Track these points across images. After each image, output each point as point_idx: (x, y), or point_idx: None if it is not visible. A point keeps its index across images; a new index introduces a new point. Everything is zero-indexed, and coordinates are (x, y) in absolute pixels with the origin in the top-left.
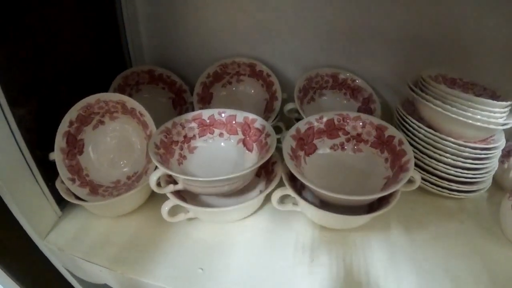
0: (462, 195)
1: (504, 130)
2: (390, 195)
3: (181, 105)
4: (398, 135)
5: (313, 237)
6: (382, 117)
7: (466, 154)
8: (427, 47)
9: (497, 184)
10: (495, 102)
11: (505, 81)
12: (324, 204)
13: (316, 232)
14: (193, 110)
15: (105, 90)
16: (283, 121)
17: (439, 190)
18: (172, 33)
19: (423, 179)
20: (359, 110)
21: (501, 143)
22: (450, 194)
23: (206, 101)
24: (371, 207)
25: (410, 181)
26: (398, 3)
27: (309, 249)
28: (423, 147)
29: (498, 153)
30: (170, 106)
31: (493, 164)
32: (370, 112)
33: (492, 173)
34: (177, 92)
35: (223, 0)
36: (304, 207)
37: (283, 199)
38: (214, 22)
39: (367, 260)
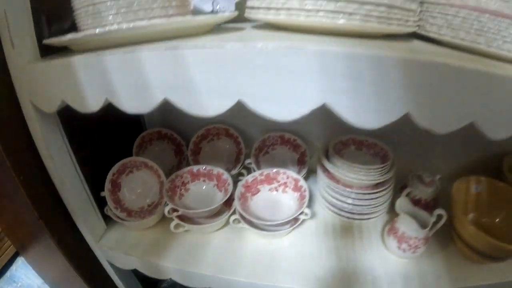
0: (357, 221)
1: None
2: (296, 221)
3: (180, 155)
4: (305, 185)
5: (254, 242)
6: (312, 166)
7: (354, 196)
8: None
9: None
10: (367, 166)
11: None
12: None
13: (256, 240)
14: (188, 160)
15: (130, 144)
16: (245, 169)
17: (341, 218)
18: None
19: (331, 210)
20: (297, 160)
21: (384, 188)
22: (349, 219)
23: (196, 153)
24: None
25: (306, 214)
26: None
27: (250, 248)
28: (328, 190)
29: (382, 193)
30: (172, 155)
31: (379, 201)
32: (304, 162)
33: (382, 206)
34: (178, 145)
35: None
36: (247, 226)
37: (239, 221)
38: None
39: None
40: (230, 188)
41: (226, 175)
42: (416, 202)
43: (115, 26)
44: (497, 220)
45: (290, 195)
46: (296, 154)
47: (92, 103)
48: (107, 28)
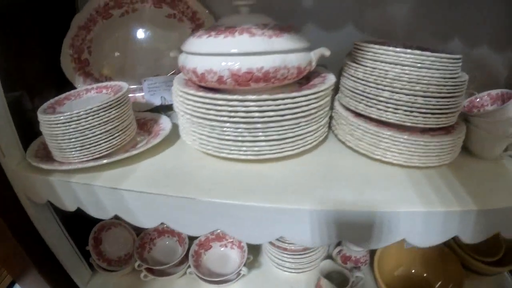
0: (294, 274)
1: None
2: (238, 275)
3: None
4: (245, 245)
5: None
6: None
7: (287, 256)
8: None
9: None
10: None
11: None
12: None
13: (207, 286)
14: None
15: None
16: None
17: (281, 272)
18: None
19: (273, 265)
20: None
21: (313, 249)
22: (287, 272)
23: None
24: None
25: (244, 271)
26: None
27: None
28: (269, 249)
29: (312, 253)
30: None
31: (311, 259)
32: None
33: (314, 262)
34: None
35: None
36: (199, 279)
37: (193, 273)
38: None
39: None
40: (187, 245)
41: (184, 234)
42: (346, 259)
43: (73, 166)
44: (425, 274)
45: (236, 251)
46: None
47: (69, 206)
48: (70, 167)
